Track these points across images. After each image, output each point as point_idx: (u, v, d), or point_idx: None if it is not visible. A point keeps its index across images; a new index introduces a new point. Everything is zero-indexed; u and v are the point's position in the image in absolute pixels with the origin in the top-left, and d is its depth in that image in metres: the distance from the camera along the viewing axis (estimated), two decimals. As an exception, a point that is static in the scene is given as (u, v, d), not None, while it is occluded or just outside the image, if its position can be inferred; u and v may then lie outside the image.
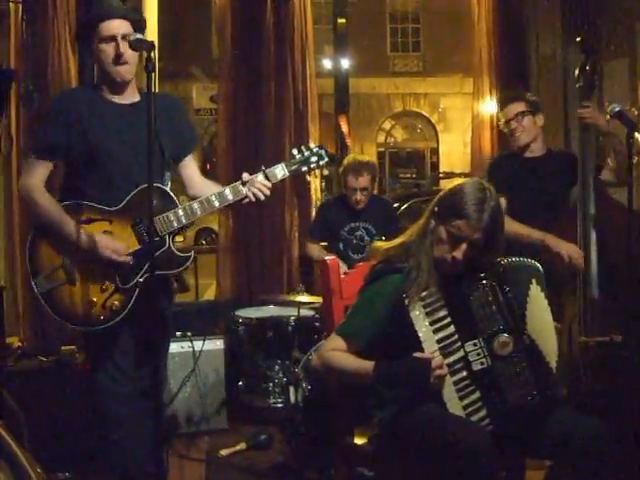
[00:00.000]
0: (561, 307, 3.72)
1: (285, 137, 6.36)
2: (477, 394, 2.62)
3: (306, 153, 3.36)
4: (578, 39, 3.93)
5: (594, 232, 3.74)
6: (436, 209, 2.74)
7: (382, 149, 22.43)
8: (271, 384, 4.90)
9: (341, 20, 7.78)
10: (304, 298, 4.77)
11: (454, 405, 2.59)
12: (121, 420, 3.16)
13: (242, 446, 4.43)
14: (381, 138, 22.47)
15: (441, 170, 20.10)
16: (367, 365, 2.67)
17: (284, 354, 4.85)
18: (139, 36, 2.63)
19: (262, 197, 3.25)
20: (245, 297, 5.94)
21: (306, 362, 4.21)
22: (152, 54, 2.58)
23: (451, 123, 21.48)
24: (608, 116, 3.35)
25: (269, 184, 3.26)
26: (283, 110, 6.40)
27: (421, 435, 2.61)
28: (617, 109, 3.24)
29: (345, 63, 8.06)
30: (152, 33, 6.28)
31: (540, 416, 2.67)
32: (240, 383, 4.97)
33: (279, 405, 4.83)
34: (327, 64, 12.40)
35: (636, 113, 4.02)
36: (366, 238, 5.04)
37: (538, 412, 2.66)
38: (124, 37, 3.04)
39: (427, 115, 22.18)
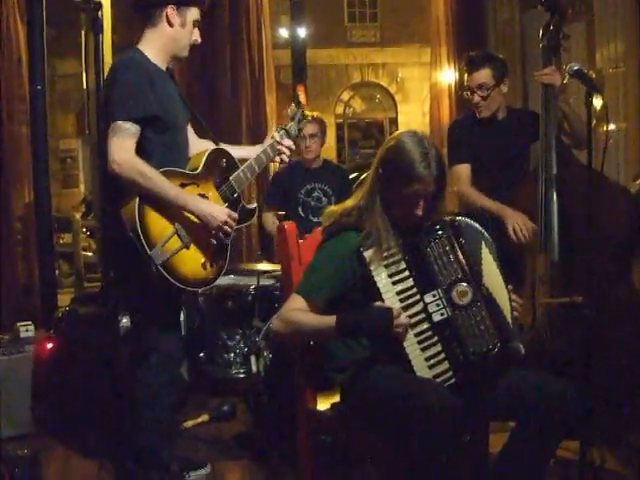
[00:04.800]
0: (520, 274, 3.74)
1: (242, 106, 6.33)
2: (439, 346, 2.61)
3: (298, 112, 3.75)
4: None
5: (555, 194, 3.73)
6: (381, 171, 2.74)
7: (341, 120, 22.32)
8: (232, 354, 4.88)
9: (297, -11, 7.69)
10: (263, 266, 4.73)
11: (416, 358, 2.58)
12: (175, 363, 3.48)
13: (205, 418, 4.40)
14: (339, 109, 22.33)
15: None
16: (329, 319, 2.65)
17: (245, 324, 4.82)
18: (89, -6, 2.54)
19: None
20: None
21: (267, 331, 4.18)
22: (100, 14, 2.51)
23: (409, 93, 21.41)
24: (567, 75, 3.32)
25: (292, 145, 3.64)
26: (239, 80, 6.36)
27: (381, 397, 2.60)
28: (575, 67, 3.20)
29: (302, 32, 7.97)
30: (106, 4, 6.16)
31: (501, 368, 2.68)
32: (201, 354, 4.93)
33: (241, 375, 4.81)
34: (284, 34, 12.29)
35: (593, 76, 4.00)
36: (323, 199, 5.10)
37: (499, 363, 2.65)
38: None
39: (385, 85, 22.08)
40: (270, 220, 5.07)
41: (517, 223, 3.74)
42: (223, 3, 6.31)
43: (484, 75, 4.04)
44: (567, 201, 3.70)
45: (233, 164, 3.45)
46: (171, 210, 3.10)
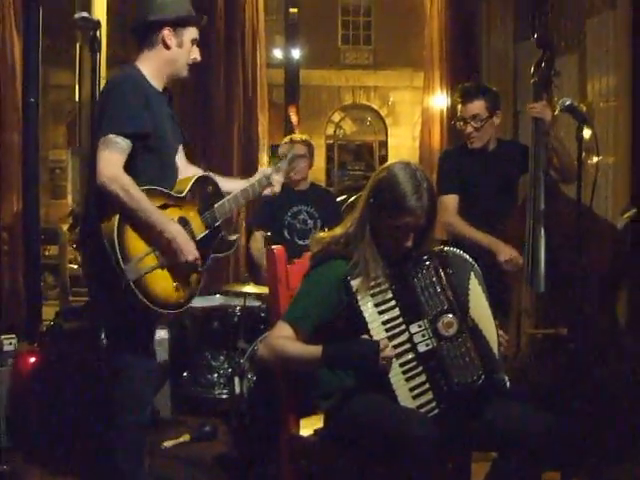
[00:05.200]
0: (507, 304, 3.75)
1: (234, 125, 6.34)
2: (423, 376, 2.61)
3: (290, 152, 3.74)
4: (535, 35, 3.91)
5: (543, 228, 3.74)
6: (372, 201, 2.74)
7: (331, 141, 22.43)
8: (216, 375, 4.86)
9: (293, 10, 7.73)
10: (250, 288, 4.73)
11: (400, 388, 2.58)
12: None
13: (186, 438, 4.38)
14: (330, 130, 22.46)
15: (390, 163, 20.07)
16: (314, 350, 2.66)
17: (229, 345, 4.79)
18: (84, 14, 2.55)
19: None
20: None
21: (251, 353, 4.17)
22: (97, 33, 2.51)
23: (400, 117, 21.54)
24: (558, 109, 3.35)
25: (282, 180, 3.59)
26: (232, 98, 6.37)
27: (365, 425, 2.60)
28: (567, 103, 3.24)
29: (296, 53, 8.01)
30: (101, 19, 6.16)
31: (485, 399, 2.67)
32: (185, 374, 4.91)
33: (224, 396, 4.79)
34: (278, 54, 12.34)
35: (585, 109, 4.04)
36: (309, 221, 5.09)
37: (484, 394, 2.66)
38: None
39: (377, 108, 22.22)
40: (258, 245, 5.00)
41: (508, 256, 3.76)
42: (219, 21, 6.33)
43: (478, 106, 4.06)
44: (554, 235, 3.72)
45: (218, 193, 3.41)
46: (150, 231, 3.05)
